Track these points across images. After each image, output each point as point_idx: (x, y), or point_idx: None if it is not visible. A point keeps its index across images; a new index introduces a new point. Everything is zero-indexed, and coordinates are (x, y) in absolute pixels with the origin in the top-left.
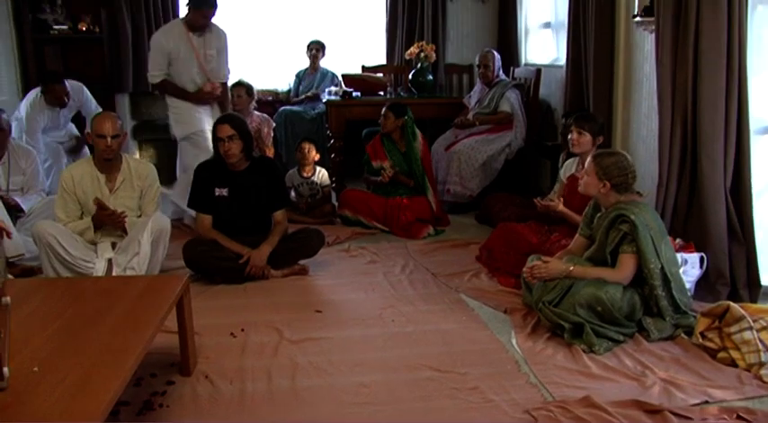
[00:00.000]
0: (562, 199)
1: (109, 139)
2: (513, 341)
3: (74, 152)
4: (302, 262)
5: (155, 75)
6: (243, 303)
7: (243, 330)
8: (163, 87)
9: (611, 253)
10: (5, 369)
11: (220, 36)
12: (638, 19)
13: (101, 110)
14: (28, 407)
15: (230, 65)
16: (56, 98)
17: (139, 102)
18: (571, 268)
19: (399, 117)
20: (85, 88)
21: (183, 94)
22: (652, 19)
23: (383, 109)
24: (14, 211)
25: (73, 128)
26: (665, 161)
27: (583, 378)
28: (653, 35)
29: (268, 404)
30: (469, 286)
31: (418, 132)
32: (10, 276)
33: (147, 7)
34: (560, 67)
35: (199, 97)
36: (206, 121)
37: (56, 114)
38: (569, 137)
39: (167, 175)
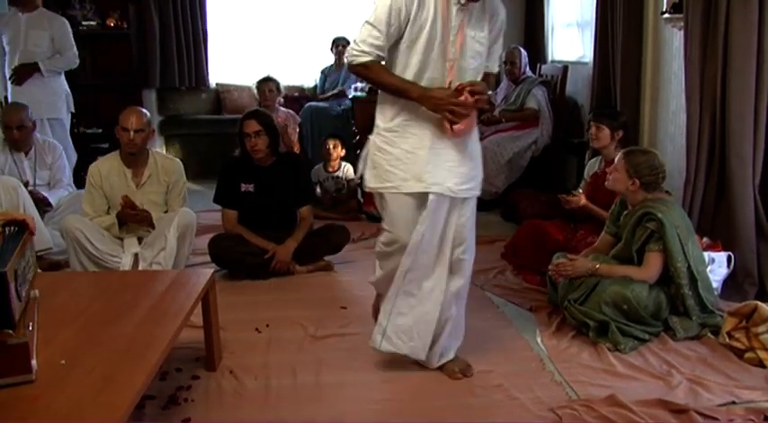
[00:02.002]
0: (583, 194)
1: (132, 133)
2: (538, 339)
3: None
4: (327, 258)
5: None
6: (268, 299)
7: (268, 326)
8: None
9: (638, 251)
10: (34, 361)
11: None
12: (666, 15)
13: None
14: (55, 399)
15: (258, 60)
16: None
17: (166, 97)
18: (597, 266)
19: None
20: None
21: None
22: (681, 15)
23: None
24: (42, 206)
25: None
26: (692, 159)
27: (608, 377)
28: (682, 32)
29: (292, 400)
30: (495, 283)
31: None
32: (38, 270)
33: (175, 3)
34: (587, 64)
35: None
36: None
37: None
38: (589, 131)
39: (194, 171)
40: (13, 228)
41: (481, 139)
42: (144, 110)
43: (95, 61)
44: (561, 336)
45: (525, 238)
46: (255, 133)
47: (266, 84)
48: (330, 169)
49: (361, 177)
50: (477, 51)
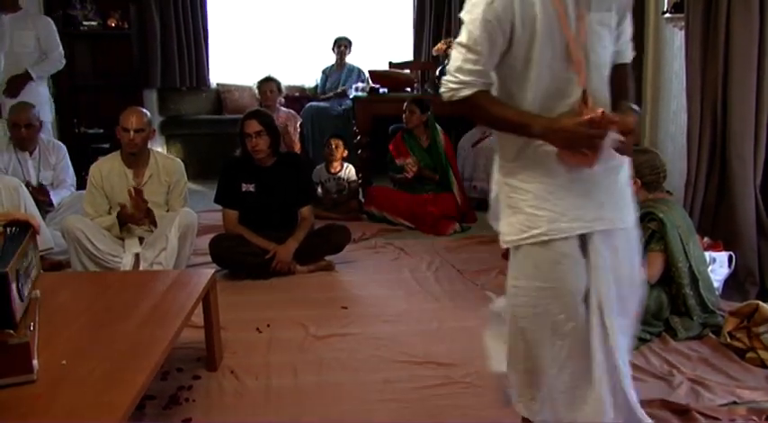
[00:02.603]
0: None
1: (132, 133)
2: None
3: None
4: (328, 258)
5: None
6: (269, 299)
7: (269, 326)
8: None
9: None
10: (35, 361)
11: None
12: (667, 15)
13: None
14: (56, 399)
15: (259, 60)
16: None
17: (167, 97)
18: None
19: (424, 112)
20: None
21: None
22: (682, 15)
23: (406, 104)
24: (44, 206)
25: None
26: (693, 159)
27: None
28: (683, 32)
29: (293, 400)
30: (496, 283)
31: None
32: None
33: (176, 3)
34: None
35: None
36: None
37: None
38: None
39: (195, 171)
40: (14, 228)
41: (482, 138)
42: (144, 110)
43: (96, 61)
44: None
45: None
46: (256, 133)
47: (267, 84)
48: (332, 170)
49: (362, 178)
50: (609, 38)
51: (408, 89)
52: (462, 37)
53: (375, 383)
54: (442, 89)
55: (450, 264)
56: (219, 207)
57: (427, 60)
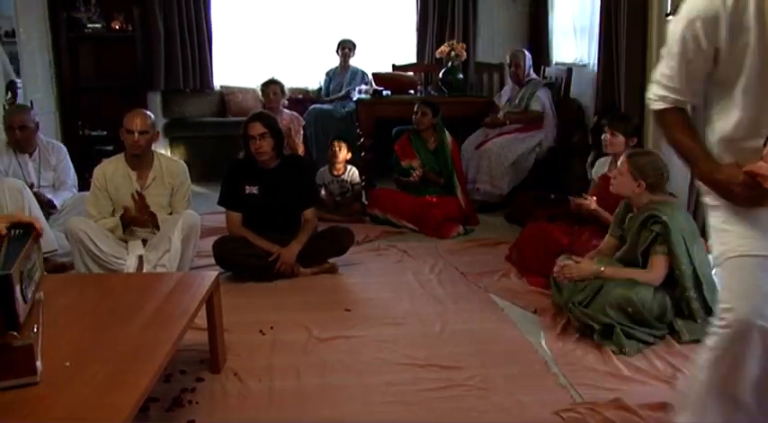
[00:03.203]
0: (595, 198)
1: (136, 135)
2: (543, 342)
3: None
4: (332, 260)
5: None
6: (272, 301)
7: (272, 328)
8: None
9: (643, 254)
10: (39, 363)
11: None
12: (671, 17)
13: (75, 189)
14: (60, 401)
15: (263, 63)
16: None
17: (171, 100)
18: (602, 269)
19: (436, 115)
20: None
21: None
22: None
23: (417, 105)
24: (47, 208)
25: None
26: None
27: (613, 380)
28: None
29: (297, 402)
30: (499, 286)
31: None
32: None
33: (179, 6)
34: (591, 66)
35: None
36: None
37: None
38: (603, 137)
39: (198, 173)
40: (18, 230)
41: (485, 141)
42: (148, 112)
43: (100, 64)
44: (566, 338)
45: (529, 240)
46: (260, 135)
47: (270, 86)
48: (335, 172)
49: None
50: None
51: (411, 91)
52: (664, 48)
53: (378, 386)
54: (648, 94)
55: (453, 266)
56: (223, 209)
57: (430, 63)
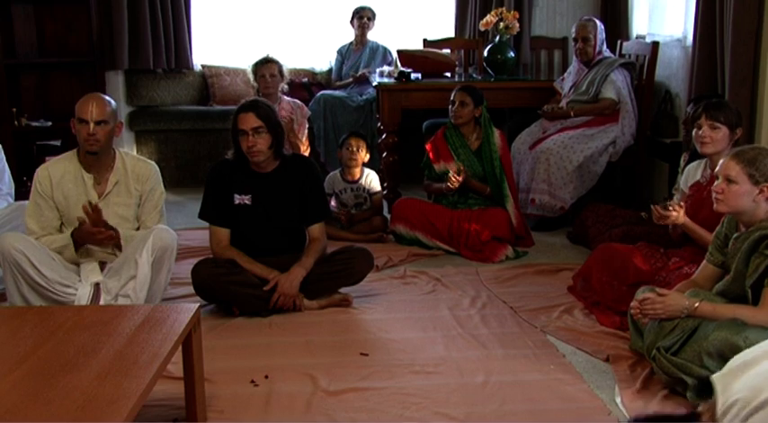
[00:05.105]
0: (683, 206)
1: (92, 126)
2: (618, 399)
3: None
4: (344, 290)
5: None
6: (267, 342)
7: (267, 377)
8: None
9: (753, 286)
10: None
11: None
12: None
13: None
14: None
15: (256, 37)
16: None
17: (137, 82)
18: (696, 305)
19: (479, 105)
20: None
21: None
22: None
23: (454, 93)
24: None
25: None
26: None
27: None
28: None
29: None
30: (560, 325)
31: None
32: None
33: None
34: (686, 40)
35: None
36: None
37: None
38: (697, 132)
39: (174, 177)
40: None
41: (543, 138)
42: (108, 97)
43: (43, 34)
44: (649, 395)
45: (600, 266)
46: (254, 130)
47: (266, 66)
48: (350, 177)
49: (387, 188)
50: None
51: (448, 74)
52: None
53: None
54: None
55: (500, 299)
56: (205, 224)
57: (472, 37)
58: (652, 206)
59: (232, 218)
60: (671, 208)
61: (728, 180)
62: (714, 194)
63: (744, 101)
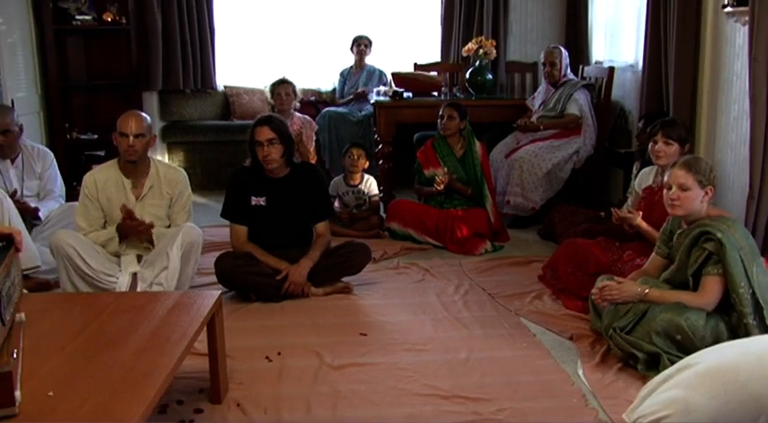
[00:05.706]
0: (640, 212)
1: (131, 138)
2: (580, 372)
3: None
4: (346, 279)
5: None
6: (280, 324)
7: (279, 354)
8: None
9: (694, 275)
10: (17, 393)
11: None
12: (728, 9)
13: (62, 199)
14: None
15: (271, 61)
16: None
17: (169, 101)
18: (647, 291)
19: (464, 119)
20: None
21: None
22: (745, 9)
23: (443, 108)
24: (30, 219)
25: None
26: (757, 171)
27: None
28: (746, 27)
29: None
30: (531, 309)
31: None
32: (24, 291)
33: None
34: (636, 65)
35: None
36: None
37: None
38: (653, 147)
39: (200, 182)
40: None
41: (516, 148)
42: (144, 114)
43: (90, 60)
44: (606, 368)
45: (565, 258)
46: (268, 141)
47: (282, 86)
48: (352, 182)
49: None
50: None
51: (435, 93)
52: None
53: (397, 419)
54: None
55: (480, 287)
56: (226, 222)
57: (456, 62)
58: (612, 209)
59: (249, 217)
60: (630, 211)
61: (682, 188)
62: (670, 201)
63: (685, 117)
